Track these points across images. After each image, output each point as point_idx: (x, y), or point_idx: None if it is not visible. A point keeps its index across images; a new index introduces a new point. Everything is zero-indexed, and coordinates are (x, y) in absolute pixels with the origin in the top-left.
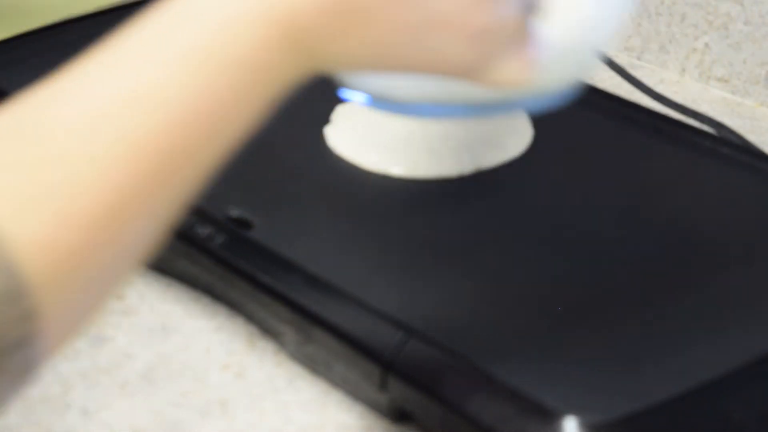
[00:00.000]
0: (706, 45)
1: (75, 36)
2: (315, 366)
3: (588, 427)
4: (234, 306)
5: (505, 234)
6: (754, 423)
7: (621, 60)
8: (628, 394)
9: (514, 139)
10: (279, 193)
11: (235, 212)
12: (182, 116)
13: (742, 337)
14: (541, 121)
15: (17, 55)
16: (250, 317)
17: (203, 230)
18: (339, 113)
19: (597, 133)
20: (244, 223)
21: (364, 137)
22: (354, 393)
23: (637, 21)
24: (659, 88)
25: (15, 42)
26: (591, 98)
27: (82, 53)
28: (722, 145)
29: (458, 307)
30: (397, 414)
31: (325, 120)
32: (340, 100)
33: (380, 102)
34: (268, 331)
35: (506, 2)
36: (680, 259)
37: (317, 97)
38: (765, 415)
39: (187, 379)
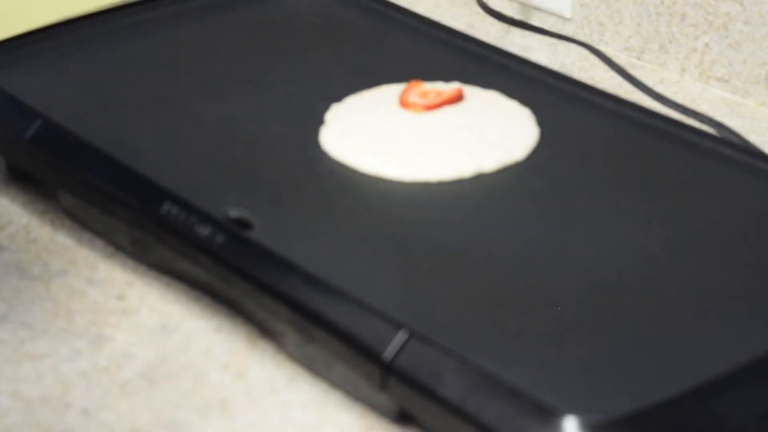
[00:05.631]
0: (706, 45)
1: (75, 36)
2: (315, 366)
3: (588, 427)
4: (234, 306)
5: (504, 234)
6: (754, 423)
7: (621, 60)
8: (628, 394)
9: (517, 141)
10: (279, 194)
11: (235, 212)
12: None
13: (741, 337)
14: (543, 123)
15: (17, 55)
16: (250, 317)
17: (203, 230)
18: (334, 114)
19: (597, 133)
20: (244, 223)
21: (360, 139)
22: (354, 393)
23: (637, 21)
24: (659, 88)
25: (15, 42)
26: (591, 98)
27: (81, 53)
28: (722, 145)
29: (458, 307)
30: (397, 414)
31: (321, 120)
32: (335, 100)
33: None
34: (268, 331)
35: None
36: (680, 258)
37: (314, 96)
38: (765, 415)
39: (187, 379)
